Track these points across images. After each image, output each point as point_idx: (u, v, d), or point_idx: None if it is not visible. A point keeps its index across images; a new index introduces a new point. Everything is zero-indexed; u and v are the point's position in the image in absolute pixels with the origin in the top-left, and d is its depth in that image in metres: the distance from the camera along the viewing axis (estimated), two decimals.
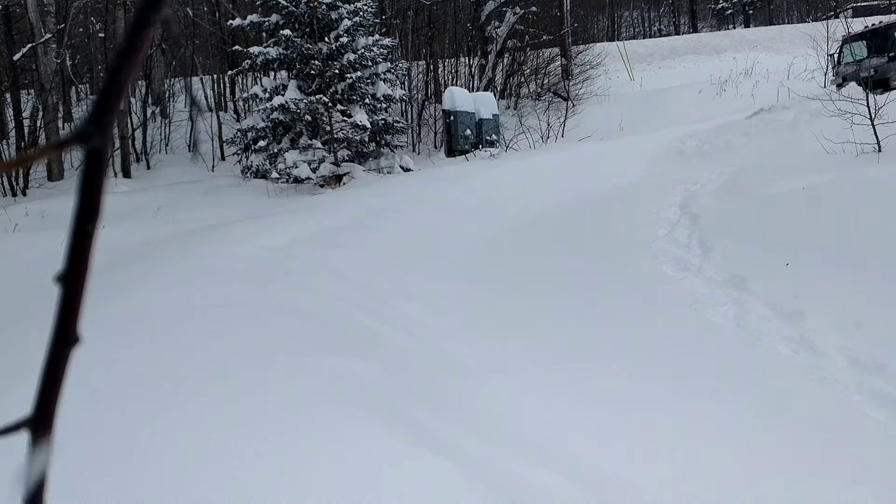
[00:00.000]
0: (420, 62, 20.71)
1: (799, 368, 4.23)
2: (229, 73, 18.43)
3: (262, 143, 13.48)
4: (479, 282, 6.49)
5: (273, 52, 13.36)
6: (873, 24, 14.91)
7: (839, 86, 14.17)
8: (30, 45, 15.08)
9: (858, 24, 14.90)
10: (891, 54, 13.73)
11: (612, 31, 43.25)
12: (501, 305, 5.80)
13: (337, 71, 13.23)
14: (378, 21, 16.60)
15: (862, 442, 3.46)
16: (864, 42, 14.71)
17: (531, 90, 21.89)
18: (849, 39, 15.07)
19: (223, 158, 17.40)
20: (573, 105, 20.18)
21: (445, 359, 4.74)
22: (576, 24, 26.50)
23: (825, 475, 3.23)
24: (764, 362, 4.37)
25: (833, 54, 15.31)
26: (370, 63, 13.72)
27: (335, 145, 12.92)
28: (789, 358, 4.38)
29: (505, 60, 21.64)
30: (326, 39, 13.36)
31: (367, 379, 3.86)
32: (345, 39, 13.31)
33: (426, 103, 19.38)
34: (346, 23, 13.34)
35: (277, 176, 12.82)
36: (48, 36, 15.37)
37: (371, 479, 2.76)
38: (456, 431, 3.53)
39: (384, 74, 14.07)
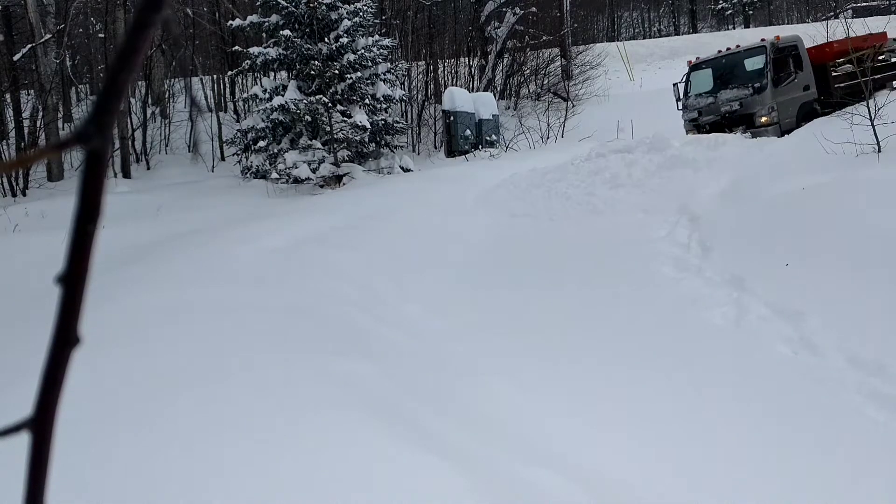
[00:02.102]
0: (420, 62, 20.72)
1: (799, 368, 4.23)
2: (229, 73, 18.44)
3: (261, 144, 13.48)
4: (478, 282, 6.49)
5: (273, 52, 13.36)
6: (728, 49, 12.25)
7: (693, 122, 11.82)
8: (30, 46, 15.09)
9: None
10: (755, 85, 10.96)
11: (612, 31, 43.28)
12: (501, 306, 5.80)
13: (337, 71, 13.24)
14: (378, 21, 16.60)
15: (862, 442, 3.46)
16: (711, 70, 12.07)
17: (531, 91, 21.90)
18: (697, 66, 12.33)
19: (223, 159, 17.40)
20: (573, 105, 20.19)
21: (445, 359, 4.74)
22: (576, 25, 26.53)
23: (825, 475, 3.23)
24: (764, 362, 4.36)
25: (678, 84, 12.39)
26: (370, 63, 13.72)
27: (335, 146, 12.92)
28: (789, 358, 4.38)
29: (505, 61, 21.65)
30: (326, 40, 13.36)
31: (367, 379, 3.86)
32: (345, 40, 13.32)
33: (426, 103, 19.39)
34: (346, 23, 13.35)
35: (277, 176, 12.83)
36: (48, 36, 15.37)
37: (369, 476, 2.76)
38: (454, 431, 3.53)
39: (384, 75, 14.08)
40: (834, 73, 11.49)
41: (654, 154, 9.31)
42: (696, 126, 11.62)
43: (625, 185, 8.74)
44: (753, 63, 11.39)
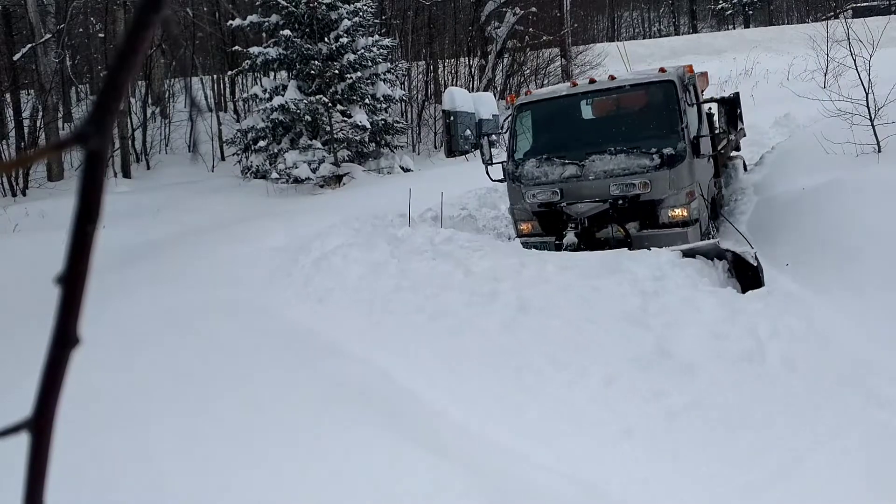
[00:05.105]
0: (420, 62, 20.73)
1: (799, 369, 4.23)
2: (229, 73, 18.46)
3: (262, 144, 13.49)
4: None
5: (273, 52, 13.36)
6: (593, 81, 6.91)
7: (545, 209, 6.39)
8: (30, 45, 15.09)
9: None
10: (665, 151, 6.01)
11: (612, 31, 43.26)
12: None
13: (337, 71, 13.24)
14: (378, 21, 16.60)
15: (862, 442, 3.45)
16: (560, 116, 6.88)
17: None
18: (528, 105, 6.87)
19: (223, 159, 17.39)
20: None
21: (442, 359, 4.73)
22: (576, 25, 26.48)
23: (825, 475, 3.23)
24: (763, 363, 4.35)
25: (489, 136, 7.29)
26: (370, 63, 13.73)
27: (335, 145, 12.93)
28: (789, 358, 4.37)
29: (505, 61, 21.64)
30: (326, 40, 13.36)
31: (367, 379, 3.86)
32: (345, 40, 13.32)
33: (426, 103, 19.39)
34: (346, 23, 13.35)
35: (277, 176, 12.83)
36: (48, 36, 15.37)
37: (370, 475, 2.76)
38: (455, 431, 3.52)
39: (384, 75, 14.09)
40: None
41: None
42: (544, 215, 6.48)
43: None
44: (650, 108, 6.52)
